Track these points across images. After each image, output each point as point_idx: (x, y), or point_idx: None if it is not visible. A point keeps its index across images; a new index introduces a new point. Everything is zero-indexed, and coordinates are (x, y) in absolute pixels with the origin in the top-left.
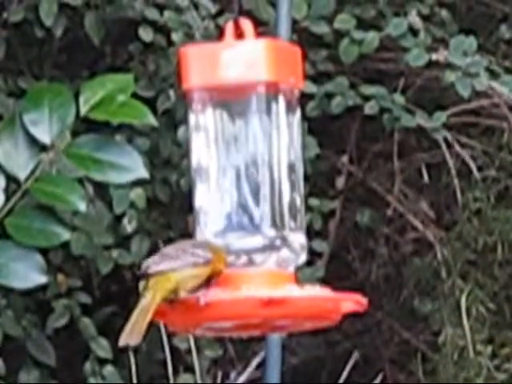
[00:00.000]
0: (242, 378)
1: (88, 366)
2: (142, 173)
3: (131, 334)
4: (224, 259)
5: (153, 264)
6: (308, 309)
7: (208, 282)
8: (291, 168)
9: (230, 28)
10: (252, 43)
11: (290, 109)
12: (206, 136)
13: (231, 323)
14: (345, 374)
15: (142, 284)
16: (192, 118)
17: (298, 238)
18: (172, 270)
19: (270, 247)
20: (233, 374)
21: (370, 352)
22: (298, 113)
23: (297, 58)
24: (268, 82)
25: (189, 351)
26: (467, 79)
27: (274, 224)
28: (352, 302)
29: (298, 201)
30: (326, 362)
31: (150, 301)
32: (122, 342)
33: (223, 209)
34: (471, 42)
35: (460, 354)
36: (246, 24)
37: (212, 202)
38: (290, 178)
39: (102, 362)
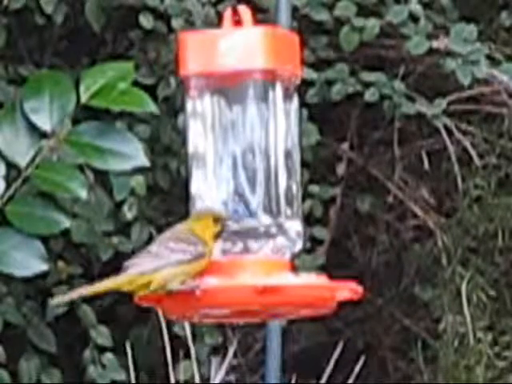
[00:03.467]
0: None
1: (87, 353)
2: (143, 160)
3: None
4: (220, 220)
5: (131, 264)
6: (303, 297)
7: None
8: (288, 155)
9: (228, 15)
10: (249, 31)
11: (287, 96)
12: (203, 123)
13: (228, 310)
14: (332, 361)
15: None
16: (189, 105)
17: (294, 226)
18: (152, 270)
19: (266, 234)
20: (232, 362)
21: (371, 339)
22: (296, 100)
23: (295, 46)
24: (265, 70)
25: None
26: (467, 67)
27: (269, 211)
28: (347, 291)
29: (295, 188)
30: (327, 349)
31: (110, 281)
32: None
33: (219, 195)
34: (471, 29)
35: (460, 342)
36: (245, 11)
37: (208, 189)
38: (286, 166)
39: (102, 349)
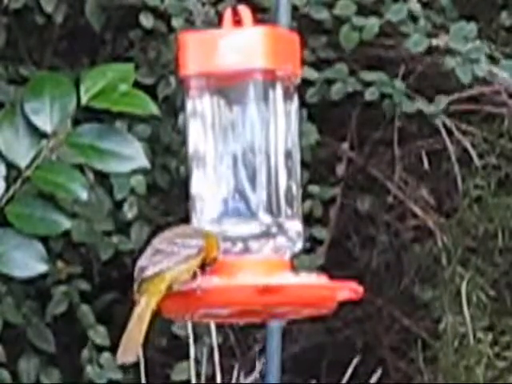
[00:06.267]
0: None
1: (85, 353)
2: (143, 162)
3: (127, 350)
4: (217, 245)
5: (147, 265)
6: (303, 297)
7: (203, 270)
8: (288, 155)
9: (228, 15)
10: (250, 31)
11: (287, 96)
12: (202, 123)
13: (228, 310)
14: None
15: (135, 286)
16: (189, 105)
17: (295, 226)
18: (167, 268)
19: (266, 234)
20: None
21: (371, 339)
22: (296, 100)
23: (295, 46)
24: (265, 70)
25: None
26: (467, 65)
27: (270, 211)
28: (348, 290)
29: (295, 188)
30: (327, 349)
31: (144, 309)
32: (119, 361)
33: (219, 196)
34: (471, 27)
35: (460, 342)
36: (245, 11)
37: (208, 189)
38: (286, 166)
39: (100, 349)
